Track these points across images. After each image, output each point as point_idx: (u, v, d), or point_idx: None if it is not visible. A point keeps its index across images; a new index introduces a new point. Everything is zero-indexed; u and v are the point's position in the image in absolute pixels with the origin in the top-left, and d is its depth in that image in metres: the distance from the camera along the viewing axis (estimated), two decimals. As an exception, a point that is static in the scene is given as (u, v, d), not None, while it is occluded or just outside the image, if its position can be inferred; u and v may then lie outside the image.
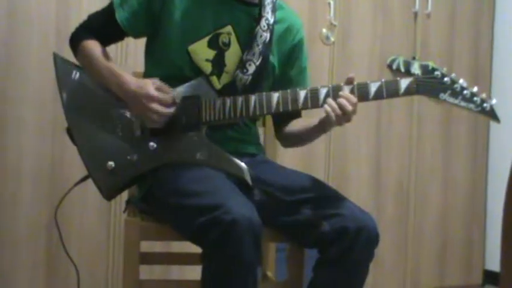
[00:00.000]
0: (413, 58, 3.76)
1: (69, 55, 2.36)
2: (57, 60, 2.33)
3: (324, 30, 3.71)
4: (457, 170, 4.11)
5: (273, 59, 2.33)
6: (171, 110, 2.17)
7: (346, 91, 2.10)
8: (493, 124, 4.17)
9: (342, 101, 2.08)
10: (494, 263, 4.13)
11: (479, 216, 4.20)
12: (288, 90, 2.16)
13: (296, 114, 2.38)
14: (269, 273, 2.63)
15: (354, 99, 2.08)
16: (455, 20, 4.08)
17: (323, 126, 2.20)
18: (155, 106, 2.14)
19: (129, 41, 2.43)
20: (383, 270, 3.88)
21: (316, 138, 2.33)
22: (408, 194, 3.98)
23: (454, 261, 4.12)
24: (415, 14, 3.94)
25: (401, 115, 3.93)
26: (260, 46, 2.26)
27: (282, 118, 2.41)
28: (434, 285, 4.06)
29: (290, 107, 2.16)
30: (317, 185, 2.21)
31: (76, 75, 2.31)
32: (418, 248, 4.01)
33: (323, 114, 2.13)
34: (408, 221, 3.98)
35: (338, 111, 2.07)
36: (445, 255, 4.09)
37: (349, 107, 2.07)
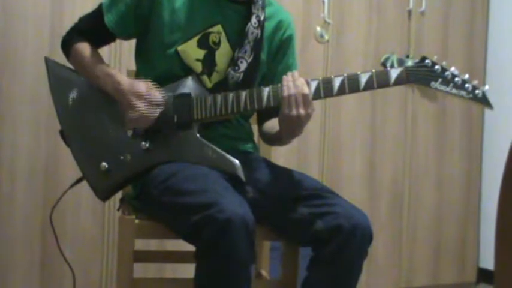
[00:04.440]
0: (407, 56, 3.76)
1: (63, 55, 2.36)
2: (49, 63, 2.33)
3: (318, 28, 3.71)
4: (451, 169, 4.11)
5: (263, 55, 2.32)
6: (156, 112, 2.16)
7: (336, 82, 2.10)
8: (487, 122, 4.18)
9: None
10: (488, 261, 4.13)
11: (473, 215, 4.20)
12: (279, 84, 2.15)
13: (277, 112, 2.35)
14: (263, 272, 2.63)
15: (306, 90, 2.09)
16: (449, 18, 4.08)
17: (282, 130, 2.18)
18: (140, 105, 2.15)
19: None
20: (377, 269, 3.88)
21: (288, 141, 2.29)
22: (402, 193, 3.98)
23: (448, 259, 4.12)
24: (409, 12, 3.94)
25: (396, 114, 3.93)
26: (251, 43, 2.26)
27: (263, 115, 2.40)
28: (429, 283, 4.07)
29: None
30: (311, 183, 2.20)
31: (68, 77, 2.31)
32: (412, 246, 4.01)
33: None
34: (402, 220, 3.98)
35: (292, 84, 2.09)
36: (439, 253, 4.10)
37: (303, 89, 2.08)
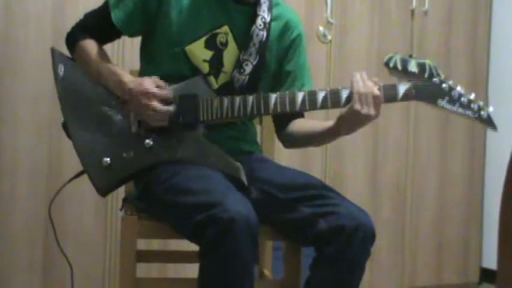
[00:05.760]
0: (410, 56, 3.72)
1: (65, 51, 2.36)
2: (55, 55, 2.32)
3: (321, 28, 3.71)
4: (454, 169, 4.11)
5: (271, 57, 2.31)
6: (171, 107, 2.16)
7: (344, 94, 2.09)
8: (490, 122, 4.17)
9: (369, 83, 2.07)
10: (491, 261, 4.13)
11: (476, 215, 4.20)
12: (286, 92, 2.14)
13: (298, 113, 2.35)
14: (266, 272, 2.63)
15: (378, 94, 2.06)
16: (452, 18, 4.08)
17: (339, 127, 2.15)
18: (154, 103, 2.14)
19: (125, 38, 2.43)
20: (380, 269, 3.88)
21: (328, 141, 2.31)
22: (405, 193, 3.98)
23: (450, 259, 4.12)
24: (412, 12, 3.94)
25: (398, 114, 3.93)
26: (257, 45, 2.25)
27: (284, 118, 2.38)
28: (431, 283, 4.07)
29: (288, 108, 2.14)
30: (314, 183, 2.20)
31: (73, 70, 2.30)
32: (415, 246, 4.01)
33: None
34: (405, 220, 3.98)
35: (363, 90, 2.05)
36: (442, 253, 4.10)
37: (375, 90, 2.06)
